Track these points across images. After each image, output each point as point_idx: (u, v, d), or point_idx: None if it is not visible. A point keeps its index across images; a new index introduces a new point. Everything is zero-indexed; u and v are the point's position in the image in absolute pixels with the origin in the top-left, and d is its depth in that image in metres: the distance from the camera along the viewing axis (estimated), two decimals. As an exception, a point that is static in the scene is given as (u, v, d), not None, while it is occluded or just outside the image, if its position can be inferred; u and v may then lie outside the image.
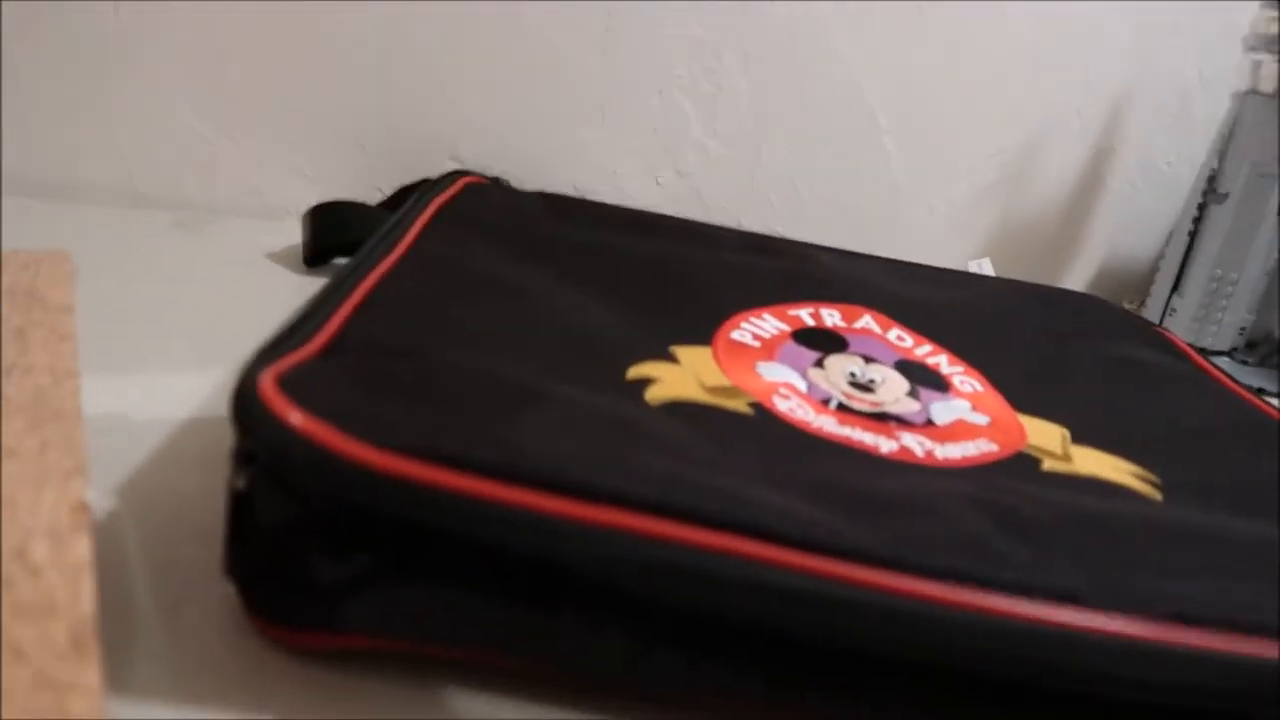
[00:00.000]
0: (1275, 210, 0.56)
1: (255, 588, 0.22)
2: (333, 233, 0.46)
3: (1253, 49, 0.55)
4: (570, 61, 0.54)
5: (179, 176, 0.51)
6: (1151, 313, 0.61)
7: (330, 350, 0.25)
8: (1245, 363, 0.58)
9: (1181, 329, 0.59)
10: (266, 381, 0.21)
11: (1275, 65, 0.54)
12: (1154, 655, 0.20)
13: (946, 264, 0.58)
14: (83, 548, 0.19)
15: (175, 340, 0.37)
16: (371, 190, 0.54)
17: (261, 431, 0.20)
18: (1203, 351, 0.58)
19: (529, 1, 0.52)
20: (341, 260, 0.46)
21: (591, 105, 0.55)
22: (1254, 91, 0.55)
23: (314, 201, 0.47)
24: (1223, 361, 0.58)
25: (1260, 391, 0.57)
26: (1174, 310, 0.60)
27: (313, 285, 0.45)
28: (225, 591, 0.22)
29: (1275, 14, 0.53)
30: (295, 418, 0.20)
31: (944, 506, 0.24)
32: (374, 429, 0.20)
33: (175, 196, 0.51)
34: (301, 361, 0.23)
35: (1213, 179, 0.58)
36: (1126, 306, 0.66)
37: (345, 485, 0.19)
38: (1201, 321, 0.58)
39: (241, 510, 0.21)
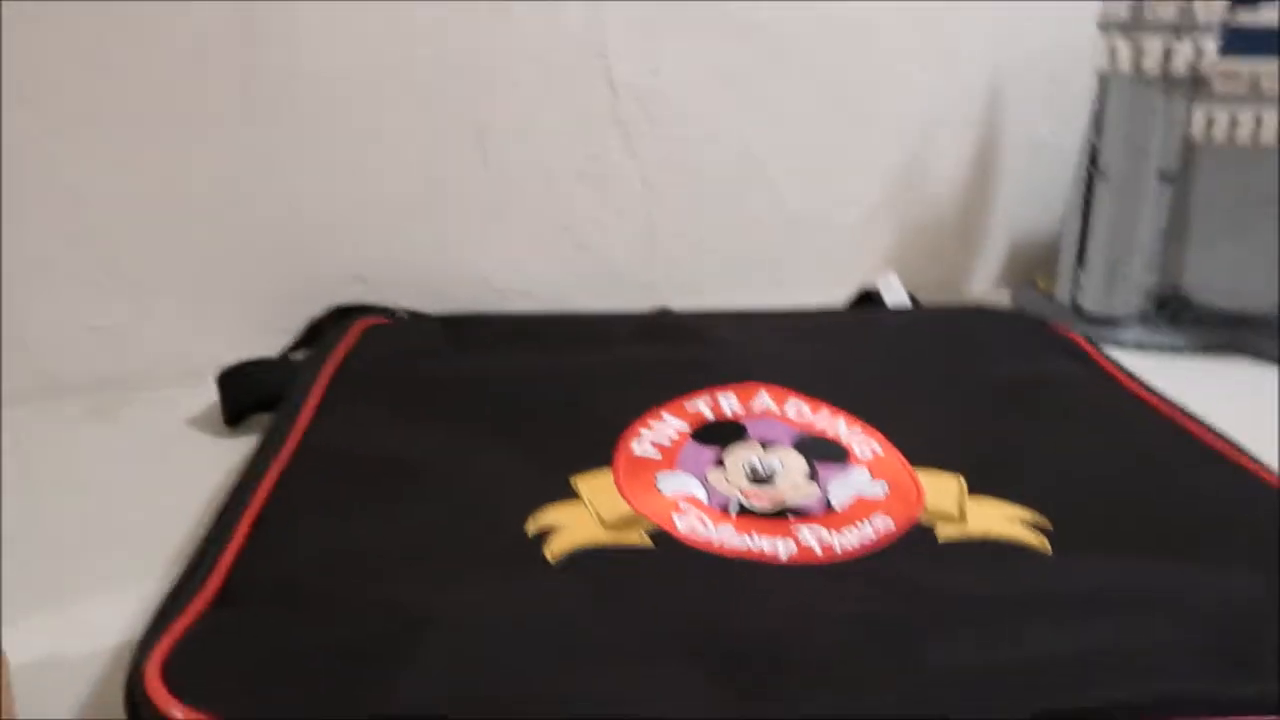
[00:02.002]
0: (1155, 175, 0.57)
1: None
2: (246, 393, 0.46)
3: (1106, 31, 0.56)
4: (455, 173, 0.55)
5: (92, 359, 0.52)
6: (1062, 288, 0.63)
7: (222, 600, 0.26)
8: (1157, 324, 0.60)
9: (1091, 300, 0.60)
10: (151, 673, 0.22)
11: (1129, 46, 0.55)
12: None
13: (855, 281, 0.60)
14: None
15: (103, 549, 0.37)
16: (281, 334, 0.55)
17: (150, 729, 0.21)
18: (1114, 320, 0.60)
19: (398, 133, 0.53)
20: (262, 414, 0.47)
21: (486, 207, 0.56)
22: (1115, 72, 0.56)
23: (230, 354, 0.48)
24: (1135, 331, 0.59)
25: (1176, 349, 0.59)
26: (1082, 284, 0.61)
27: (237, 446, 0.46)
28: None
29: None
30: (178, 715, 0.21)
31: (825, 636, 0.26)
32: (254, 712, 0.21)
33: (92, 378, 0.52)
34: (190, 627, 0.24)
35: (1094, 156, 0.59)
36: (1039, 284, 0.68)
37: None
38: (1108, 291, 0.60)
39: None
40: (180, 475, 0.43)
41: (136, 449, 0.46)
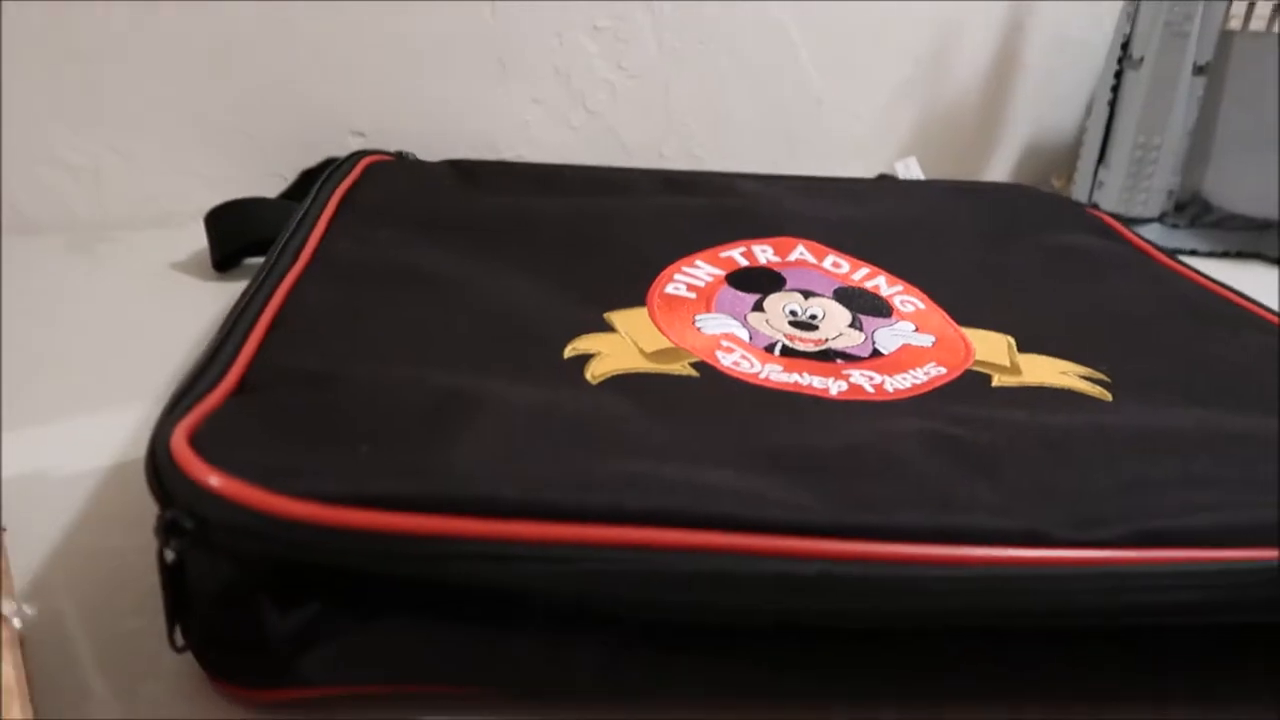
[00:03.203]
0: (1190, 69, 0.55)
1: (209, 655, 0.21)
2: (237, 234, 0.43)
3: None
4: (459, 21, 0.51)
5: (66, 199, 0.48)
6: (1080, 186, 0.61)
7: (243, 388, 0.23)
8: (1176, 226, 0.59)
9: (1111, 199, 0.59)
10: (179, 442, 0.20)
11: (1176, -79, 0.53)
12: (1127, 580, 0.20)
13: (876, 167, 0.58)
14: (6, 670, 0.17)
15: (89, 377, 0.35)
16: (274, 178, 0.51)
17: (182, 499, 0.19)
18: (1133, 220, 0.58)
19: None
20: (252, 260, 0.44)
21: (490, 61, 0.52)
22: (1158, -49, 0.54)
23: (214, 200, 0.45)
24: (1154, 228, 0.58)
25: (1193, 252, 0.57)
26: (1102, 183, 0.60)
27: (226, 289, 0.43)
28: (183, 659, 0.21)
29: None
30: (214, 480, 0.19)
31: (901, 454, 0.24)
32: (297, 480, 0.19)
33: (65, 219, 0.48)
34: (214, 408, 0.22)
35: (1126, 45, 0.57)
36: (1055, 183, 0.66)
37: (277, 543, 0.18)
38: (1130, 190, 0.58)
39: (177, 582, 0.20)
40: (167, 314, 0.40)
41: (118, 287, 0.43)
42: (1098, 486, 0.23)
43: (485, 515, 0.19)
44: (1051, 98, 0.66)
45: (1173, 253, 0.43)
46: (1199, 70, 0.55)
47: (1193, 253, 0.57)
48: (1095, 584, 0.20)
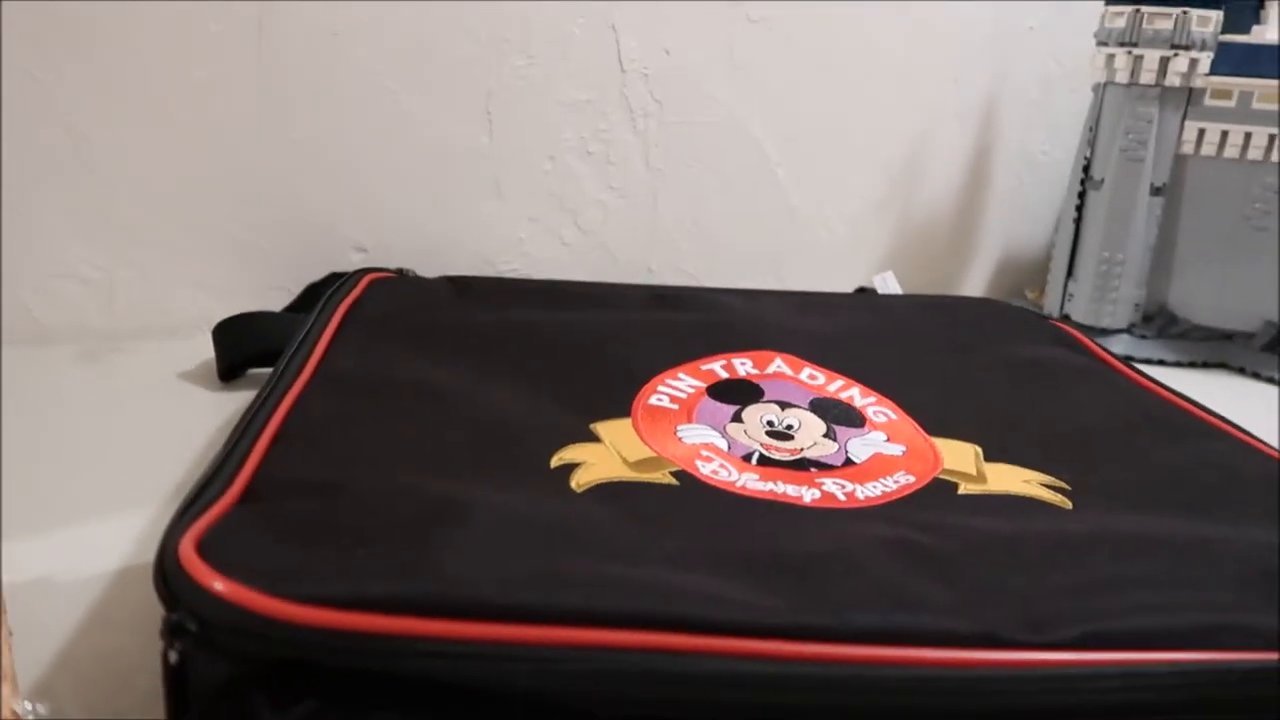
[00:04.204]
0: (1148, 190, 0.59)
1: (205, 754, 0.22)
2: (243, 346, 0.45)
3: (1104, 44, 0.58)
4: (457, 144, 0.54)
5: (79, 309, 0.50)
6: (1051, 299, 0.64)
7: (248, 497, 0.25)
8: (1144, 337, 0.61)
9: (1081, 311, 0.61)
10: (186, 549, 0.21)
11: (1127, 57, 0.57)
12: (1071, 680, 0.21)
13: (852, 280, 0.60)
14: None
15: (97, 482, 0.36)
16: (279, 291, 0.54)
17: (187, 603, 0.20)
18: (1103, 332, 0.61)
19: (406, 93, 0.53)
20: (256, 370, 0.46)
21: (487, 181, 0.56)
22: (1111, 83, 0.58)
23: (222, 312, 0.47)
24: (1123, 339, 0.61)
25: (1160, 362, 0.60)
26: (1072, 295, 0.62)
27: (231, 400, 0.45)
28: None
29: (1121, 9, 0.57)
30: (219, 585, 0.20)
31: (864, 558, 0.25)
32: (297, 584, 0.20)
33: (77, 329, 0.50)
34: (220, 516, 0.23)
35: (1087, 167, 0.60)
36: (1029, 295, 0.69)
37: (277, 645, 0.20)
38: (1098, 302, 0.61)
39: (179, 682, 0.21)
40: (174, 423, 0.42)
41: (127, 395, 0.44)
42: (1049, 590, 0.24)
43: (467, 616, 0.20)
44: (1022, 213, 0.70)
45: (1137, 364, 0.45)
46: (1156, 191, 0.59)
47: (1160, 363, 0.60)
48: (1044, 685, 0.21)
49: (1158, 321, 0.61)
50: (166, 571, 0.21)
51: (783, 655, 0.21)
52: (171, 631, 0.21)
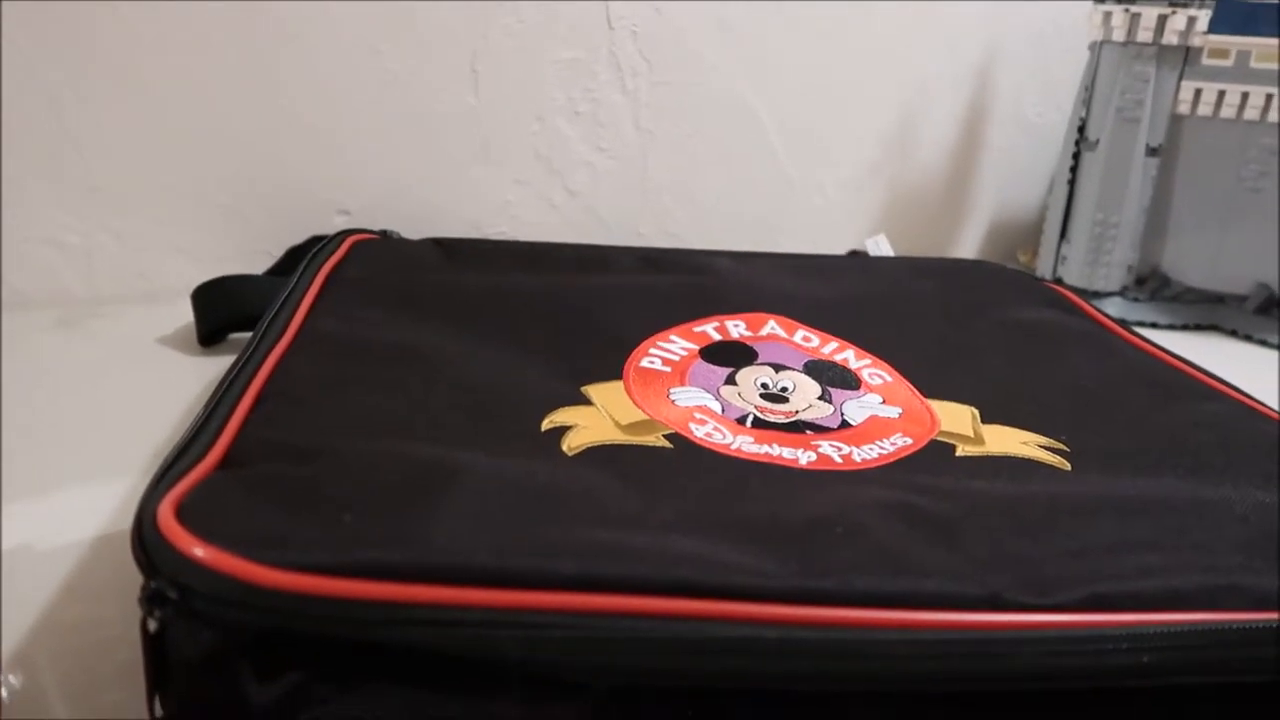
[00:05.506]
0: (1143, 151, 0.58)
1: (189, 725, 0.21)
2: (223, 310, 0.44)
3: (1100, 1, 0.57)
4: (444, 105, 0.53)
5: (58, 275, 0.49)
6: (1044, 262, 0.63)
7: (228, 462, 0.24)
8: (1137, 299, 0.61)
9: (1074, 274, 0.61)
10: (165, 514, 0.20)
11: (1124, 15, 0.56)
12: (1076, 642, 0.21)
13: (845, 244, 0.60)
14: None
15: (76, 449, 0.35)
16: (261, 255, 0.53)
17: (166, 570, 0.20)
18: (1096, 294, 0.60)
19: (392, 51, 0.51)
20: (237, 335, 0.45)
21: (474, 143, 0.54)
22: (1108, 41, 0.57)
23: (202, 277, 0.46)
24: (1115, 301, 0.60)
25: (1153, 325, 0.59)
26: (1065, 258, 0.62)
27: (211, 364, 0.44)
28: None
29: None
30: (199, 551, 0.19)
31: (863, 522, 0.25)
32: (281, 550, 0.19)
33: (57, 295, 0.49)
34: (199, 481, 0.22)
35: (1082, 128, 0.60)
36: (1021, 258, 0.68)
37: (259, 613, 0.19)
38: (1091, 265, 0.61)
39: (158, 652, 0.20)
40: (153, 388, 0.41)
41: (107, 361, 0.43)
42: (1052, 552, 0.24)
43: (459, 583, 0.20)
44: (1015, 175, 0.69)
45: (1131, 326, 0.45)
46: (1152, 152, 0.58)
47: (1153, 325, 0.59)
48: (1047, 647, 0.21)
49: (1151, 284, 0.61)
50: (145, 537, 0.20)
51: (785, 620, 0.20)
52: (150, 599, 0.20)
